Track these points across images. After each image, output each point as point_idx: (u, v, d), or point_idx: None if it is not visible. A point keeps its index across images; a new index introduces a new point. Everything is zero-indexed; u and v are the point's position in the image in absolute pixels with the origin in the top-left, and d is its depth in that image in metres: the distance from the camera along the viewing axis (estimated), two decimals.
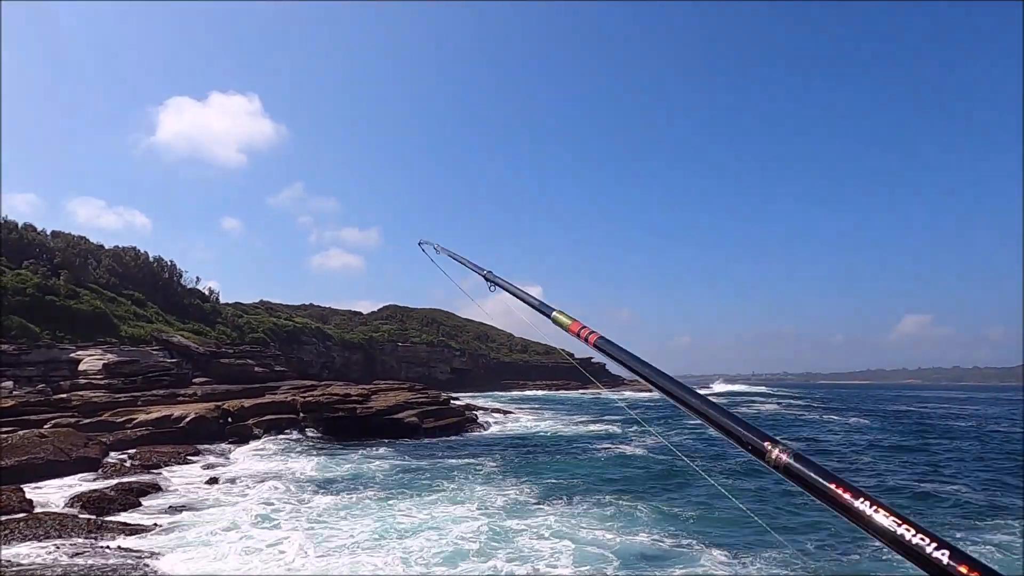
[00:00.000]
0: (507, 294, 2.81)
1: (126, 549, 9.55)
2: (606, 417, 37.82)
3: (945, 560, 0.82)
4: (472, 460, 19.81)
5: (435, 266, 4.43)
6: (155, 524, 11.31)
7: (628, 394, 78.27)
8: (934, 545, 0.84)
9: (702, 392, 1.34)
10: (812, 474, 1.02)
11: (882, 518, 0.91)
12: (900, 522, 0.89)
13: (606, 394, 64.23)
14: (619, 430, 30.13)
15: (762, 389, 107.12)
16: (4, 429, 17.35)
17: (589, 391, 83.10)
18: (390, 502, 13.37)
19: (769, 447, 1.10)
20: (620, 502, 13.52)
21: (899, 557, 0.88)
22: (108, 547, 9.54)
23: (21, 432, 17.27)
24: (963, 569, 0.81)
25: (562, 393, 79.28)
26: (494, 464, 19.07)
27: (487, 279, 3.07)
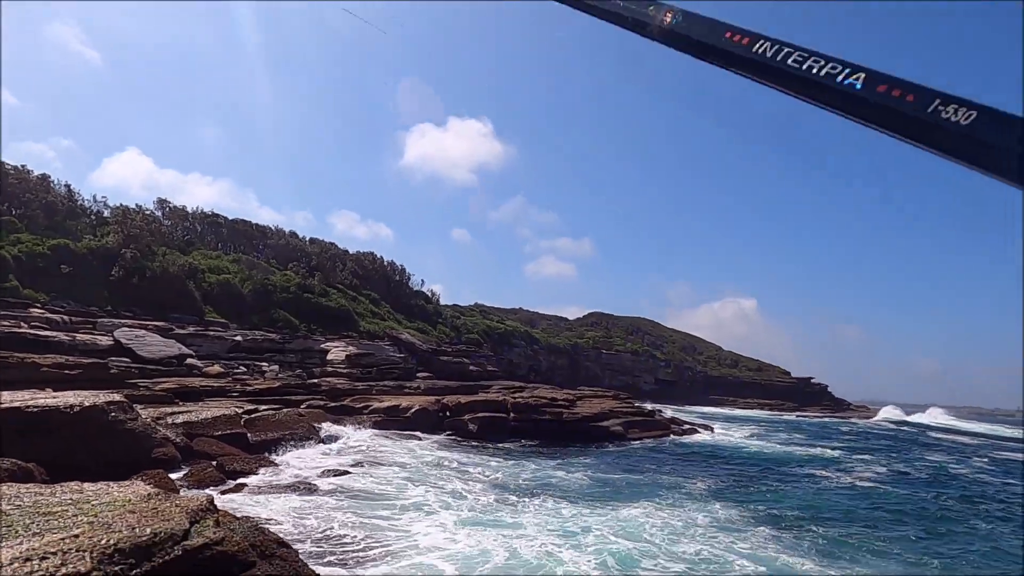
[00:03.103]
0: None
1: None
2: (828, 442, 34.32)
3: (860, 84, 0.72)
4: (676, 476, 18.95)
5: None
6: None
7: (857, 421, 70.16)
8: (846, 71, 0.73)
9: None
10: (702, 28, 0.84)
11: (786, 57, 0.76)
12: (805, 56, 0.74)
13: (832, 419, 58.05)
14: (838, 455, 27.85)
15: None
16: (272, 406, 20.35)
17: (808, 414, 75.92)
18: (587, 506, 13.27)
19: (652, 12, 0.90)
20: (829, 534, 12.16)
21: None
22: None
23: (285, 410, 20.14)
24: (881, 88, 0.71)
25: (776, 415, 73.16)
26: (701, 483, 18.14)
27: None
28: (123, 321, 26.71)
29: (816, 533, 12.37)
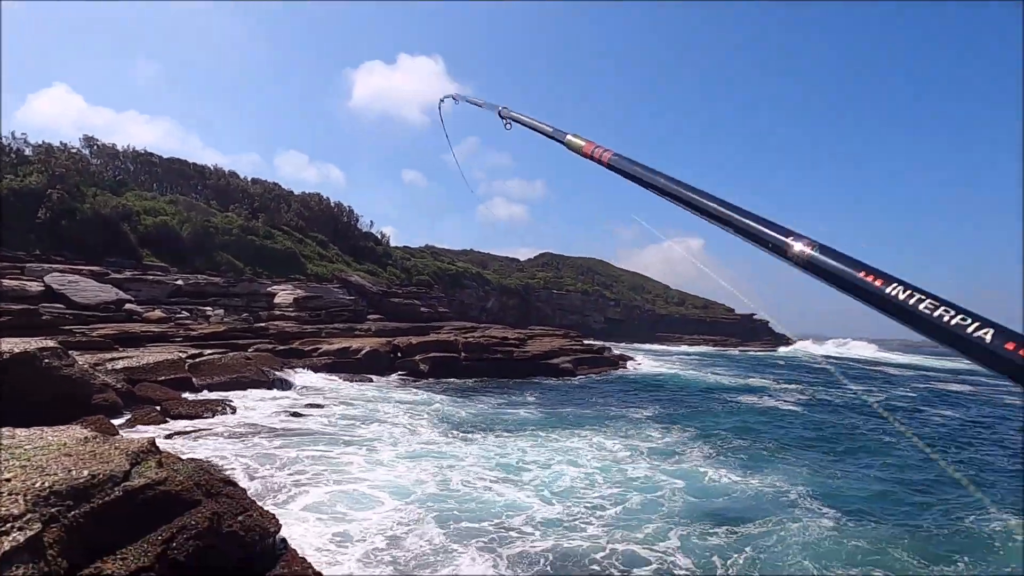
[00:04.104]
0: (524, 127, 2.75)
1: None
2: (761, 374, 36.33)
3: (988, 339, 0.76)
4: (619, 405, 19.79)
5: (457, 139, 4.72)
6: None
7: (799, 345, 73.86)
8: (975, 325, 0.78)
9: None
10: (839, 264, 0.94)
11: (917, 303, 0.84)
12: (937, 305, 0.83)
13: (781, 351, 60.79)
14: (768, 384, 30.21)
15: None
16: (218, 351, 19.98)
17: (751, 348, 79.25)
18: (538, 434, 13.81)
19: (791, 241, 1.02)
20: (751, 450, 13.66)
21: None
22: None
23: (231, 354, 19.81)
24: (1009, 347, 0.74)
25: (720, 350, 76.15)
26: (641, 409, 19.32)
27: (501, 116, 3.02)
28: (54, 266, 25.43)
29: (740, 451, 13.68)
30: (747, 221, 1.13)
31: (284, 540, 6.65)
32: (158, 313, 25.20)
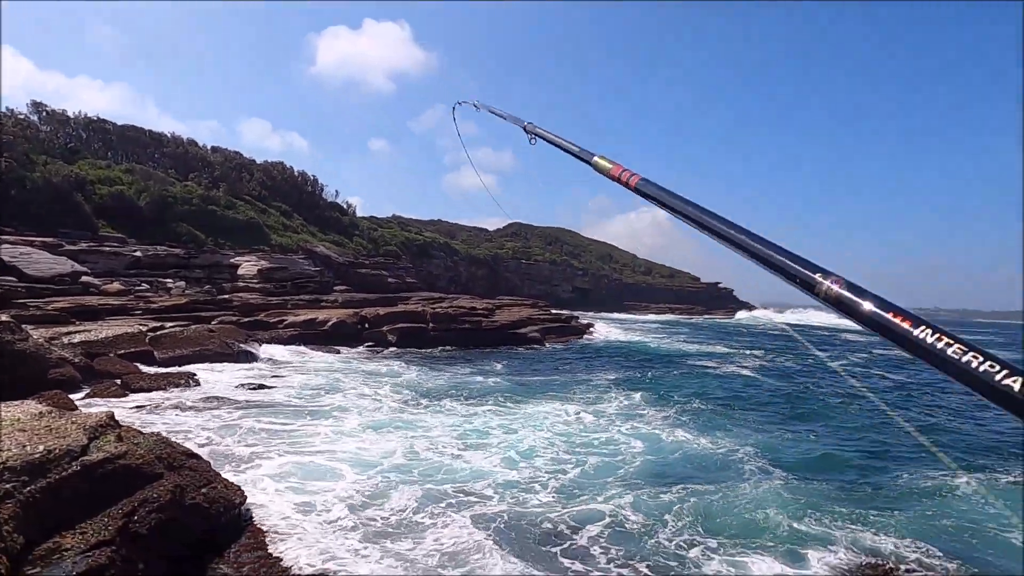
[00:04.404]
0: (550, 145, 2.75)
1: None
2: (724, 340, 37.27)
3: (1017, 387, 0.77)
4: (583, 372, 20.20)
5: (471, 143, 4.43)
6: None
7: (758, 313, 75.61)
8: (1004, 372, 0.78)
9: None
10: (867, 304, 0.96)
11: (946, 347, 0.85)
12: (965, 350, 0.83)
13: (739, 318, 62.04)
14: (729, 350, 31.15)
15: None
16: (180, 323, 19.63)
17: (716, 316, 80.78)
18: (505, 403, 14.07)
19: (820, 278, 1.04)
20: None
21: None
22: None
23: (193, 327, 19.48)
24: None
25: (686, 317, 77.52)
26: (604, 375, 19.99)
27: (527, 131, 3.02)
28: (4, 238, 24.54)
29: (697, 414, 14.15)
30: (777, 256, 1.15)
31: (249, 511, 6.70)
32: (116, 285, 24.58)
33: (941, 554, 6.72)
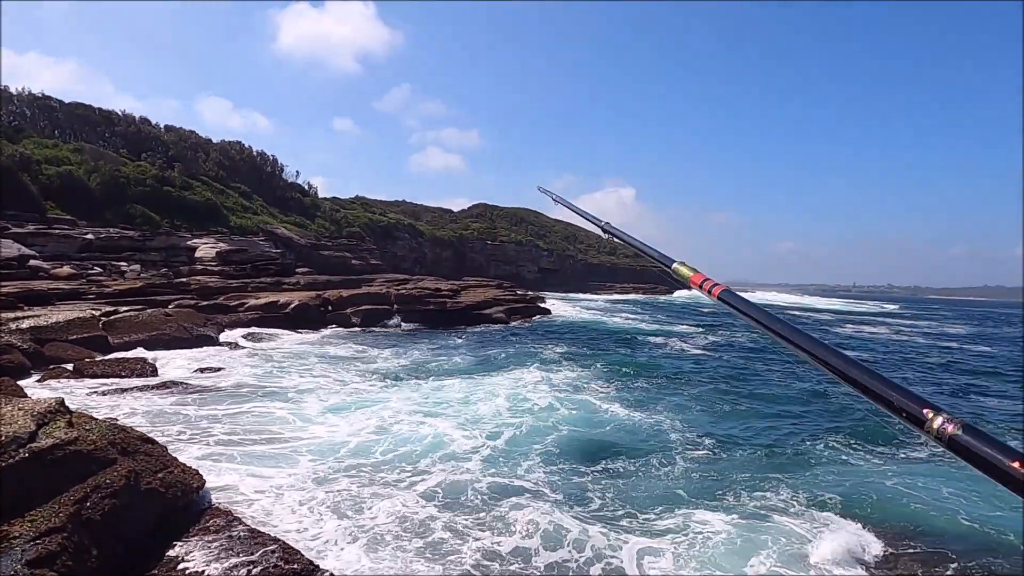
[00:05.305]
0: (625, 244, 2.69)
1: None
2: (680, 319, 38.26)
3: None
4: (541, 349, 20.65)
5: (562, 206, 4.45)
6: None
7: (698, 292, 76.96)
8: None
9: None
10: (987, 449, 0.83)
11: None
12: None
13: (695, 295, 62.98)
14: (683, 329, 32.17)
15: (871, 307, 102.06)
16: (135, 307, 19.12)
17: (681, 296, 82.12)
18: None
19: (929, 415, 0.92)
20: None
21: None
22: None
23: (149, 311, 19.00)
24: None
25: (649, 297, 78.62)
26: (558, 351, 20.64)
27: (604, 231, 3.02)
28: None
29: (636, 387, 14.60)
30: (877, 384, 1.03)
31: (208, 494, 6.63)
32: (67, 269, 23.80)
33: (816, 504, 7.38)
